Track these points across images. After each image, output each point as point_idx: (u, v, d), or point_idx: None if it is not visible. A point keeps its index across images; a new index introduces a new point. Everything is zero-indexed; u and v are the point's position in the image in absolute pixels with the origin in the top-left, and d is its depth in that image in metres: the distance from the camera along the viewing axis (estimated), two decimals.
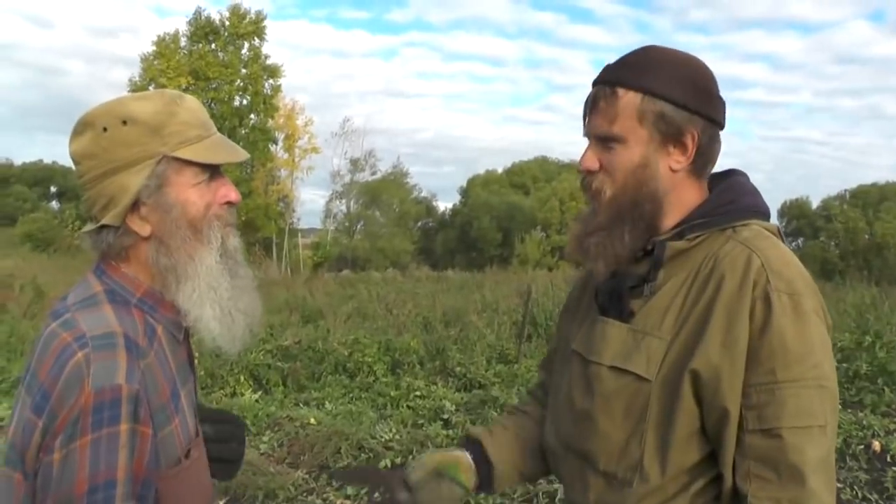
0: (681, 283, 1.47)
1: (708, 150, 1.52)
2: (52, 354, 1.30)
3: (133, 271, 1.45)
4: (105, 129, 1.39)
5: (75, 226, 50.66)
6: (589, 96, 1.55)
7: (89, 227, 1.45)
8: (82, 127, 1.42)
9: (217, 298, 1.46)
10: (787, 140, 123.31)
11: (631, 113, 1.47)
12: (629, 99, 1.48)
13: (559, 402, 1.69)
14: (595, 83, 1.55)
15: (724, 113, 1.56)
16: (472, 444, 1.85)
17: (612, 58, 1.58)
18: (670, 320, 1.46)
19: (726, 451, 1.38)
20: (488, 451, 1.81)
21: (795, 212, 58.83)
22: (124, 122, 1.39)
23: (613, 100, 1.49)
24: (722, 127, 1.55)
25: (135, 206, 1.40)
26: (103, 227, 1.42)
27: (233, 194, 1.50)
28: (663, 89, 1.47)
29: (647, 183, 1.49)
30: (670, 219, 1.53)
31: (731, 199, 1.52)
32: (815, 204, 59.85)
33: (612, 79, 1.51)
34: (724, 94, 1.57)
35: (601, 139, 1.51)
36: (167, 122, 1.41)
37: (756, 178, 1.62)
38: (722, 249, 1.45)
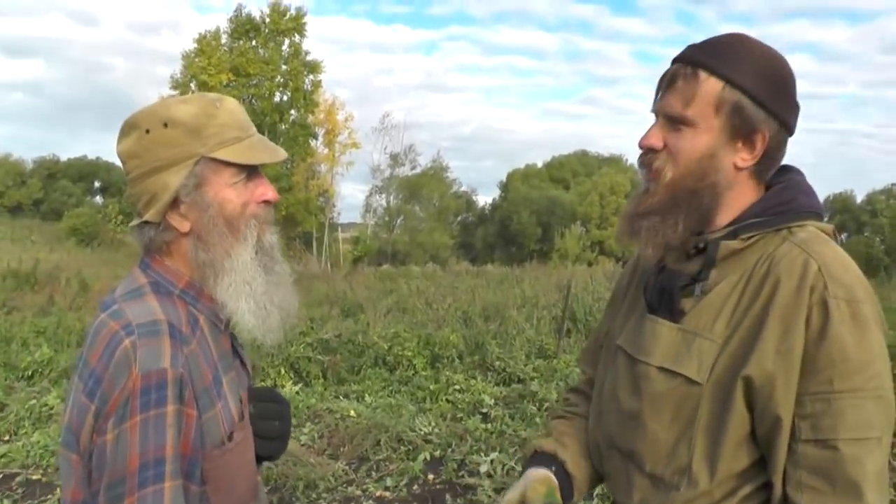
0: (734, 284, 1.43)
1: (775, 153, 1.48)
2: (101, 342, 1.37)
3: (175, 264, 1.52)
4: (148, 131, 1.46)
5: (118, 220, 51.48)
6: (667, 72, 1.49)
7: (135, 221, 1.53)
8: (128, 129, 1.49)
9: (252, 293, 1.52)
10: (832, 132, 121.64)
11: (709, 99, 1.42)
12: (710, 84, 1.42)
13: (604, 399, 1.66)
14: (676, 60, 1.49)
15: (797, 120, 1.50)
16: (550, 459, 1.76)
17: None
18: (722, 323, 1.42)
19: (777, 460, 1.35)
20: (567, 465, 1.74)
21: (839, 206, 57.93)
22: (165, 125, 1.46)
23: (693, 81, 1.43)
24: (792, 134, 1.50)
25: (174, 203, 1.47)
26: (146, 222, 1.49)
27: (270, 193, 1.55)
28: (747, 82, 1.41)
29: (710, 174, 1.44)
30: (725, 216, 1.48)
31: (788, 199, 1.47)
32: (859, 198, 58.99)
33: (695, 59, 1.45)
34: None
35: (671, 119, 1.45)
36: (206, 125, 1.47)
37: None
38: (777, 251, 1.41)
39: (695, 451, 1.42)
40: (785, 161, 1.54)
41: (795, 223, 1.44)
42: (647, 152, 1.49)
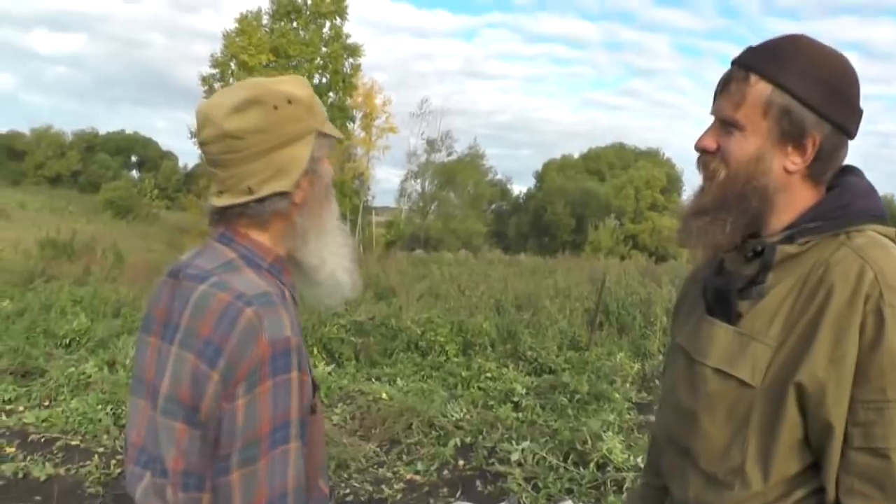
0: (789, 288, 1.43)
1: (829, 156, 1.45)
2: (212, 312, 1.43)
3: (264, 238, 1.58)
4: (276, 108, 1.52)
5: (153, 195, 52.00)
6: (724, 75, 1.50)
7: (237, 197, 1.54)
8: (246, 104, 1.51)
9: (345, 253, 1.67)
10: (876, 135, 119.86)
11: (757, 102, 1.42)
12: (759, 88, 1.42)
13: (666, 397, 1.69)
14: (733, 63, 1.50)
15: (858, 123, 1.48)
16: None
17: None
18: (777, 326, 1.41)
19: (830, 466, 1.34)
20: None
21: None
22: (289, 101, 1.53)
23: (744, 85, 1.44)
24: (852, 137, 1.48)
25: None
26: (269, 196, 1.53)
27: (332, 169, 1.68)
28: (796, 86, 1.41)
29: (758, 177, 1.44)
30: (781, 219, 1.48)
31: (845, 203, 1.45)
32: None
33: (748, 62, 1.46)
34: None
35: (724, 122, 1.47)
36: (314, 102, 1.59)
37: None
38: (834, 257, 1.39)
39: (748, 452, 1.43)
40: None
41: (854, 227, 1.43)
42: (704, 153, 1.51)
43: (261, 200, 1.54)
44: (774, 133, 1.43)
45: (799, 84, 1.41)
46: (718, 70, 1.52)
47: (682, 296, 1.77)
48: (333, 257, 1.63)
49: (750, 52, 1.49)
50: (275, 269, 1.58)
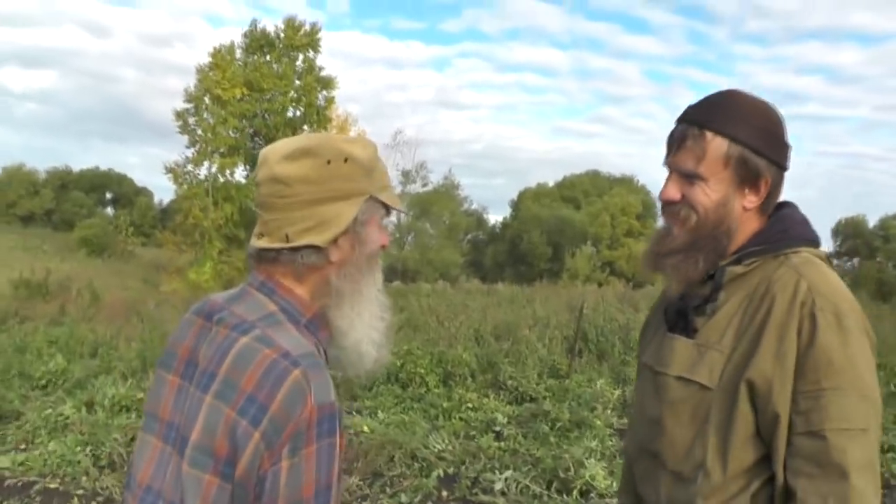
0: (738, 302, 1.64)
1: (776, 191, 1.71)
2: (257, 368, 1.41)
3: (302, 292, 1.58)
4: (329, 162, 1.53)
5: (129, 232, 51.57)
6: (676, 132, 1.69)
7: (273, 242, 1.55)
8: (301, 154, 1.54)
9: (377, 326, 1.64)
10: (844, 156, 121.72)
11: (718, 156, 1.63)
12: (717, 144, 1.63)
13: (636, 411, 1.88)
14: (681, 121, 1.70)
15: (790, 157, 1.72)
16: None
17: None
18: (730, 336, 1.63)
19: (778, 453, 1.54)
20: None
21: (851, 230, 57.48)
22: (346, 160, 1.54)
23: (702, 141, 1.64)
24: (787, 170, 1.72)
25: (338, 235, 1.55)
26: (303, 247, 1.53)
27: (387, 240, 1.68)
28: (748, 138, 1.63)
29: (726, 220, 1.67)
30: (732, 246, 1.71)
31: (783, 229, 1.69)
32: (871, 223, 58.61)
33: (699, 120, 1.66)
34: (781, 107, 1.73)
35: (685, 174, 1.67)
36: (375, 168, 1.60)
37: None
38: (775, 274, 1.62)
39: (708, 448, 1.62)
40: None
41: (791, 249, 1.67)
42: (669, 204, 1.71)
43: (294, 250, 1.54)
44: (735, 180, 1.66)
45: (749, 136, 1.64)
46: (688, 96, 1.67)
47: (648, 321, 1.99)
48: (364, 327, 1.61)
49: (697, 110, 1.71)
50: (313, 325, 1.58)
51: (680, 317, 1.73)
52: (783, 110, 1.72)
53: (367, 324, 1.61)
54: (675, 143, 1.68)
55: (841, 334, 1.52)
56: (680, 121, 1.70)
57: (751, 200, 1.68)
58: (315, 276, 1.57)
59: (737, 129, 1.64)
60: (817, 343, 1.51)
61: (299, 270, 1.56)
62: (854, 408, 1.50)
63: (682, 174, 1.67)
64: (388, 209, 1.64)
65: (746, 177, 1.65)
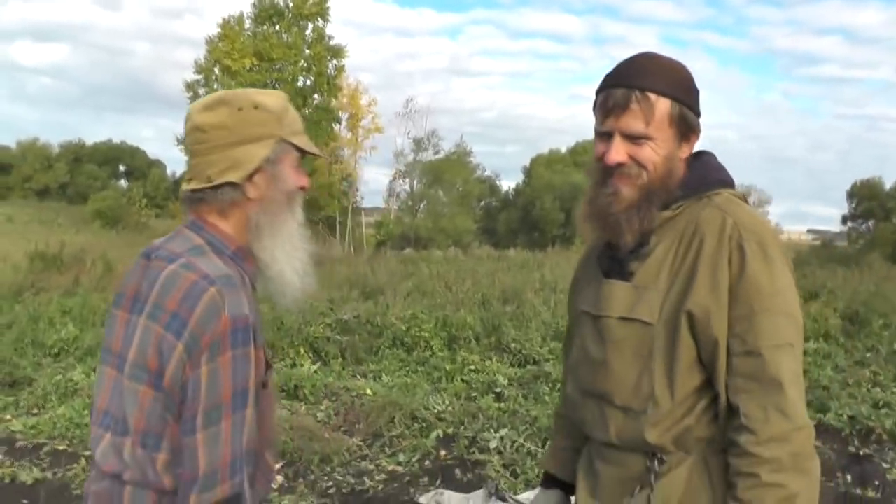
0: (669, 244, 1.77)
1: (697, 140, 1.85)
2: (180, 289, 1.62)
3: (228, 227, 1.77)
4: (240, 109, 1.73)
5: (142, 204, 51.89)
6: (616, 96, 1.76)
7: (198, 183, 1.74)
8: (216, 103, 1.75)
9: (297, 257, 1.82)
10: (863, 118, 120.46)
11: (664, 116, 1.75)
12: (661, 104, 1.74)
13: (576, 358, 1.98)
14: (616, 85, 1.78)
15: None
16: (560, 485, 2.16)
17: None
18: (664, 274, 1.76)
19: (719, 375, 1.69)
20: (569, 482, 2.11)
21: (866, 193, 56.91)
22: (255, 107, 1.74)
23: (647, 104, 1.73)
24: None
25: (253, 172, 1.74)
26: (222, 185, 1.73)
27: (307, 182, 1.87)
28: (683, 95, 1.77)
29: (674, 171, 1.79)
30: None
31: (703, 175, 1.84)
32: (888, 185, 57.97)
33: (638, 84, 1.75)
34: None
35: (631, 136, 1.75)
36: (285, 114, 1.79)
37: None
38: (701, 215, 1.76)
39: (655, 379, 1.75)
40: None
41: (713, 192, 1.81)
42: (618, 166, 1.78)
43: (216, 188, 1.73)
44: (676, 136, 1.79)
45: (684, 94, 1.78)
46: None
47: (577, 274, 2.09)
48: (285, 257, 1.79)
49: (629, 73, 1.80)
50: (237, 257, 1.76)
51: (614, 263, 1.85)
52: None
53: (287, 254, 1.80)
54: (619, 106, 1.75)
55: (766, 262, 1.68)
56: (615, 85, 1.78)
57: (685, 151, 1.82)
58: (237, 212, 1.77)
59: (673, 88, 1.76)
60: (746, 271, 1.66)
61: (223, 207, 1.75)
62: (783, 326, 1.66)
63: (627, 136, 1.76)
64: (301, 152, 1.83)
65: (685, 131, 1.79)
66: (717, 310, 1.67)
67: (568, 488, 2.13)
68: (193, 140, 1.75)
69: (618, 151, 1.76)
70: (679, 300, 1.72)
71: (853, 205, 56.12)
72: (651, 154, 1.75)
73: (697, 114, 1.82)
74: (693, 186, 1.81)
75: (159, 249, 1.75)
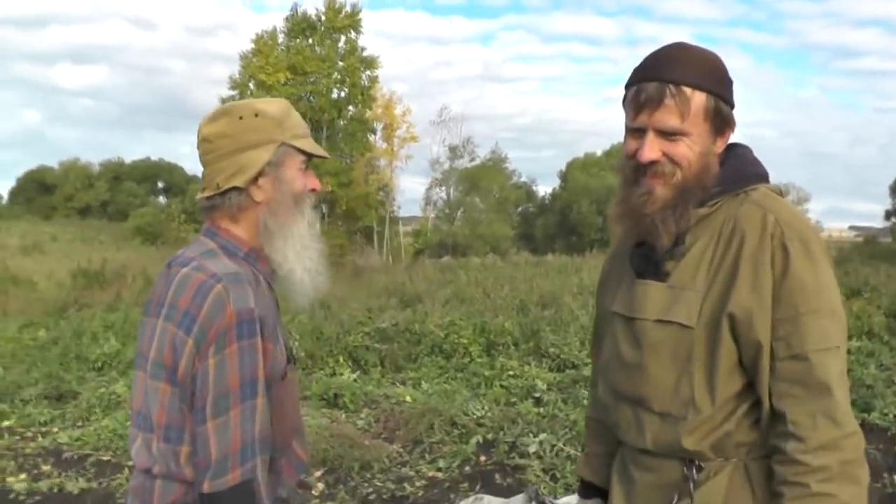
0: (706, 243, 1.69)
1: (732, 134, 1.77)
2: (190, 289, 1.71)
3: (238, 231, 1.85)
4: (241, 118, 1.81)
5: (181, 219, 52.51)
6: (650, 91, 1.67)
7: (209, 192, 1.83)
8: (220, 115, 1.84)
9: (306, 257, 1.88)
10: None
11: (699, 110, 1.66)
12: (697, 98, 1.66)
13: (608, 360, 1.89)
14: (647, 79, 1.69)
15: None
16: (596, 490, 2.10)
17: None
18: (702, 275, 1.67)
19: (762, 379, 1.61)
20: (605, 488, 2.03)
21: None
22: (256, 115, 1.82)
23: (682, 98, 1.65)
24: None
25: (257, 177, 1.81)
26: (229, 190, 1.81)
27: (318, 184, 1.94)
28: (717, 87, 1.69)
29: (710, 168, 1.70)
30: None
31: (739, 169, 1.75)
32: None
33: (671, 77, 1.66)
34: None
35: (665, 132, 1.67)
36: (286, 119, 1.85)
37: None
38: (738, 211, 1.68)
39: (695, 384, 1.67)
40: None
41: (749, 187, 1.73)
42: (651, 164, 1.70)
43: (223, 194, 1.81)
44: (712, 131, 1.71)
45: (718, 86, 1.70)
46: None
47: (607, 272, 2.01)
48: (295, 257, 1.86)
49: (661, 66, 1.71)
50: (250, 258, 1.85)
51: (648, 262, 1.76)
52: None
53: (297, 254, 1.86)
54: (653, 102, 1.66)
55: (810, 261, 1.60)
56: (646, 79, 1.69)
57: (720, 145, 1.74)
58: (248, 216, 1.85)
59: (709, 80, 1.68)
60: (790, 271, 1.59)
61: (233, 212, 1.84)
62: (829, 328, 1.59)
63: (661, 132, 1.67)
64: (307, 155, 1.89)
65: (720, 125, 1.71)
66: (759, 311, 1.60)
67: (605, 494, 2.03)
68: (203, 151, 1.84)
69: (651, 148, 1.68)
70: (720, 301, 1.64)
71: (895, 201, 55.15)
72: (686, 151, 1.67)
73: (732, 105, 1.73)
74: (729, 182, 1.72)
75: (179, 257, 1.83)
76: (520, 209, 62.60)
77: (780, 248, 1.61)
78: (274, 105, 1.87)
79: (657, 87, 1.66)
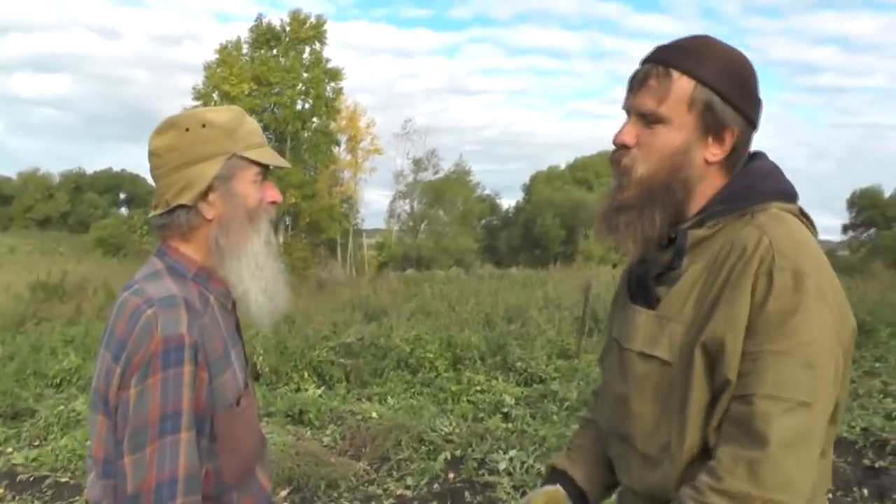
0: (701, 269, 1.50)
1: (742, 149, 1.55)
2: (125, 315, 1.58)
3: (190, 251, 1.73)
4: (188, 130, 1.69)
5: (143, 231, 51.98)
6: (638, 72, 1.55)
7: (160, 209, 1.71)
8: (167, 127, 1.71)
9: (262, 276, 1.75)
10: (861, 126, 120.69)
11: (682, 97, 1.49)
12: (682, 83, 1.49)
13: (603, 389, 1.77)
14: (646, 61, 1.56)
15: (760, 115, 1.57)
16: (561, 476, 1.87)
17: None
18: (690, 305, 1.49)
19: (717, 415, 1.43)
20: (576, 479, 1.84)
21: (867, 202, 56.78)
22: (203, 126, 1.69)
23: (666, 80, 1.50)
24: (756, 129, 1.57)
25: (206, 192, 1.68)
26: (177, 208, 1.68)
27: (278, 196, 1.80)
28: (716, 81, 1.49)
29: (683, 169, 1.51)
30: (695, 207, 1.55)
31: (748, 185, 1.53)
32: (888, 192, 57.89)
33: (666, 59, 1.52)
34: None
35: (644, 116, 1.52)
36: (237, 129, 1.72)
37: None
38: (739, 235, 1.47)
39: (672, 427, 1.49)
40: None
41: (759, 206, 1.50)
42: (619, 149, 1.56)
43: (170, 212, 1.70)
44: (698, 127, 1.50)
45: (717, 80, 1.49)
46: None
47: (617, 289, 1.81)
48: (250, 278, 1.74)
49: (665, 49, 1.56)
50: (199, 278, 1.72)
51: (641, 286, 1.60)
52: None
53: (251, 274, 1.73)
54: (638, 82, 1.53)
55: (797, 296, 1.36)
56: (645, 60, 1.56)
57: (714, 153, 1.52)
58: (199, 235, 1.72)
59: (705, 70, 1.49)
60: (770, 303, 1.37)
61: (183, 231, 1.72)
62: (795, 377, 1.34)
63: (641, 116, 1.52)
64: (261, 166, 1.75)
65: (711, 124, 1.50)
66: (732, 344, 1.39)
67: (572, 481, 1.83)
68: (152, 166, 1.73)
69: (626, 131, 1.54)
70: (696, 332, 1.45)
71: (853, 214, 56.08)
72: (658, 140, 1.50)
73: (743, 114, 1.51)
74: (733, 199, 1.52)
75: (130, 281, 1.72)
76: (483, 222, 62.76)
77: (766, 275, 1.39)
78: (224, 114, 1.74)
79: (647, 68, 1.54)
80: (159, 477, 1.51)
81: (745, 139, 1.54)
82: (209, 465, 1.64)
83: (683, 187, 1.52)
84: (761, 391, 1.35)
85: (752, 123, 1.54)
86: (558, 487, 1.83)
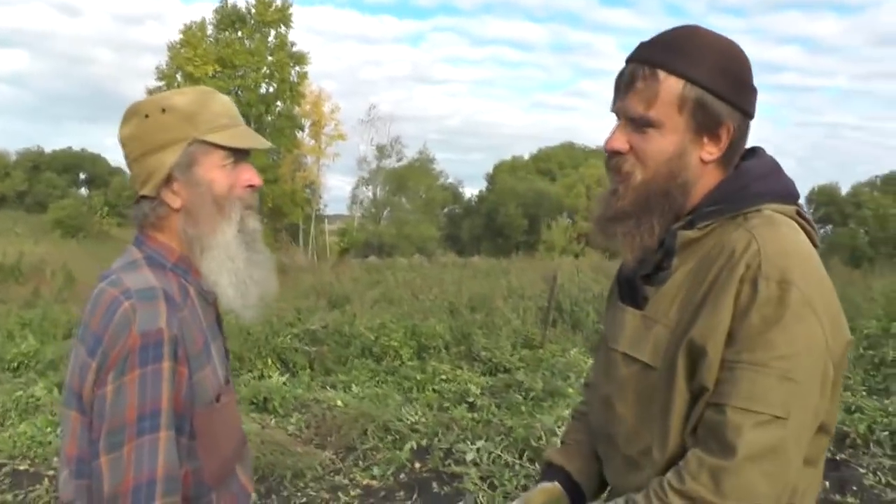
0: (689, 271, 1.46)
1: (739, 142, 1.49)
2: (101, 307, 1.51)
3: (167, 240, 1.66)
4: (147, 116, 1.61)
5: (104, 212, 51.34)
6: (625, 73, 1.48)
7: (133, 200, 1.67)
8: (129, 115, 1.64)
9: (234, 268, 1.66)
10: (822, 125, 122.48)
11: (671, 99, 1.42)
12: (670, 84, 1.42)
13: (592, 387, 1.75)
14: (631, 60, 1.49)
15: (755, 103, 1.51)
16: (558, 471, 1.82)
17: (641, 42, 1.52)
18: (675, 307, 1.45)
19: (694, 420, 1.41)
20: (573, 475, 1.80)
21: (824, 198, 57.79)
22: (163, 111, 1.61)
23: (653, 82, 1.43)
24: (752, 118, 1.51)
25: (168, 181, 1.61)
26: (143, 198, 1.63)
27: (255, 179, 1.70)
28: (706, 79, 1.42)
29: (680, 174, 1.46)
30: (690, 205, 1.50)
31: (742, 186, 1.47)
32: (844, 190, 58.95)
33: (652, 59, 1.45)
34: (757, 78, 1.51)
35: (634, 121, 1.46)
36: (200, 111, 1.62)
37: (789, 165, 1.51)
38: (729, 238, 1.42)
39: (654, 432, 1.47)
40: (778, 155, 1.55)
41: (753, 208, 1.45)
42: (614, 155, 1.50)
43: (137, 203, 1.65)
44: (691, 127, 1.44)
45: (707, 76, 1.42)
46: None
47: (610, 288, 1.77)
48: (219, 269, 1.65)
49: (649, 47, 1.49)
50: (178, 268, 1.66)
51: (630, 285, 1.56)
52: (762, 81, 1.50)
53: (220, 265, 1.65)
54: (624, 84, 1.47)
55: (780, 307, 1.32)
56: (630, 60, 1.49)
57: (710, 151, 1.46)
58: (169, 224, 1.65)
59: (694, 68, 1.42)
60: (752, 313, 1.33)
61: (154, 221, 1.65)
62: (770, 391, 1.31)
63: (630, 120, 1.46)
64: (233, 150, 1.64)
65: (705, 123, 1.43)
66: (712, 352, 1.36)
67: (570, 477, 1.79)
68: (123, 155, 1.67)
69: (616, 137, 1.47)
70: (679, 338, 1.42)
71: (811, 210, 56.95)
72: (652, 145, 1.44)
73: (738, 108, 1.45)
74: (726, 200, 1.46)
75: (107, 270, 1.65)
76: (446, 210, 62.80)
77: (751, 283, 1.34)
78: (186, 96, 1.64)
79: (632, 69, 1.46)
80: (137, 478, 1.45)
81: (741, 133, 1.48)
82: (188, 465, 1.57)
83: (682, 192, 1.48)
84: (734, 402, 1.32)
85: (747, 115, 1.49)
86: (555, 484, 1.80)
